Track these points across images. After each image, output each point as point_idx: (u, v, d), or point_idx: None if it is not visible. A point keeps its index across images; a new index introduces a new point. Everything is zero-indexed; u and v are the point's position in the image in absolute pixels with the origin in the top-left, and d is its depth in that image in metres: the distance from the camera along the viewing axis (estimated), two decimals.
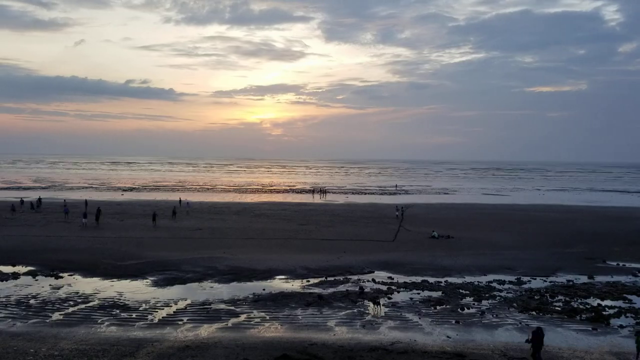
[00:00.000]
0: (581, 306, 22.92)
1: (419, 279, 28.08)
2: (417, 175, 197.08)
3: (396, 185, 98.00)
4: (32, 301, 22.59)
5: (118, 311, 21.33)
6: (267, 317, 20.82)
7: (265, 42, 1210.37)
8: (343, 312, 21.59)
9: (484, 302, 23.52)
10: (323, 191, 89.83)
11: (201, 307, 22.15)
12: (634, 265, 32.96)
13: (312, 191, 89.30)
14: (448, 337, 18.76)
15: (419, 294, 24.90)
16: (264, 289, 25.33)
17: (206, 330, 19.11)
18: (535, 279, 28.49)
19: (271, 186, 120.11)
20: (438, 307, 22.55)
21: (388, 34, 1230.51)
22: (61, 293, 24.12)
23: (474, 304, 23.11)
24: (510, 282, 27.51)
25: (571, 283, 27.54)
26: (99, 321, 20.01)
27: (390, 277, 28.45)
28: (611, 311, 22.11)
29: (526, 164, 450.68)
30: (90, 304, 22.40)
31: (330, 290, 25.37)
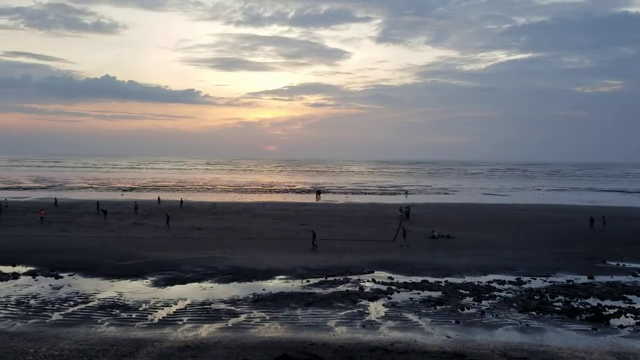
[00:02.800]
0: (581, 306, 22.91)
1: (419, 279, 28.08)
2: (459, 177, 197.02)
3: (406, 192, 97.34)
4: (32, 301, 22.59)
5: (118, 311, 21.33)
6: (267, 317, 20.82)
7: (316, 43, 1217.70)
8: (343, 312, 21.59)
9: (484, 302, 23.51)
10: (318, 192, 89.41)
11: (201, 307, 22.15)
12: (634, 265, 32.95)
13: (317, 192, 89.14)
14: (448, 337, 18.75)
15: (419, 294, 24.90)
16: (264, 289, 25.33)
17: (206, 330, 19.11)
18: (535, 279, 28.48)
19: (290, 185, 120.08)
20: (438, 307, 22.53)
21: (440, 35, 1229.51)
22: (61, 293, 24.11)
23: (474, 304, 23.11)
24: (510, 282, 27.51)
25: (571, 283, 27.53)
26: (99, 321, 20.00)
27: (390, 277, 28.45)
28: (611, 311, 22.09)
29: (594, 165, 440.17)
30: (90, 304, 22.40)
31: (330, 290, 25.36)
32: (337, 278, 27.92)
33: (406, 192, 59.14)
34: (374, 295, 24.25)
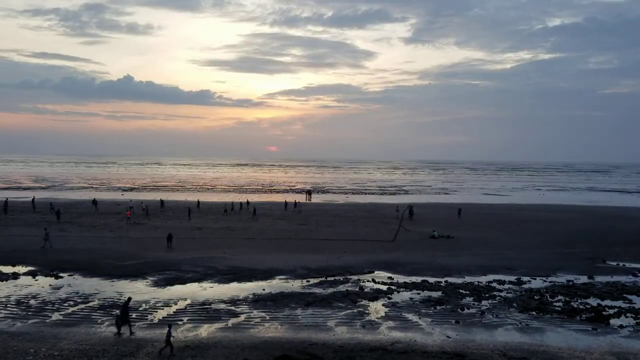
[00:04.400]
0: (581, 306, 22.92)
1: (419, 279, 28.07)
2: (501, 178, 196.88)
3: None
4: (32, 301, 22.58)
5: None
6: (267, 317, 20.82)
7: (346, 43, 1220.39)
8: (343, 312, 21.58)
9: (484, 302, 23.51)
10: (309, 192, 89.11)
11: (201, 307, 22.14)
12: (634, 265, 32.95)
13: (308, 192, 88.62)
14: (448, 337, 18.75)
15: (419, 294, 24.89)
16: (264, 289, 25.32)
17: (206, 330, 19.11)
18: (535, 279, 28.48)
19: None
20: (438, 307, 22.53)
21: (469, 36, 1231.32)
22: (61, 293, 24.11)
23: (474, 304, 23.10)
24: (510, 282, 27.50)
25: (571, 283, 27.53)
26: (99, 321, 20.01)
27: (390, 277, 28.45)
28: (611, 311, 22.10)
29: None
30: (90, 304, 22.40)
31: (330, 290, 25.35)
32: (337, 278, 27.92)
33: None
34: (374, 295, 24.25)
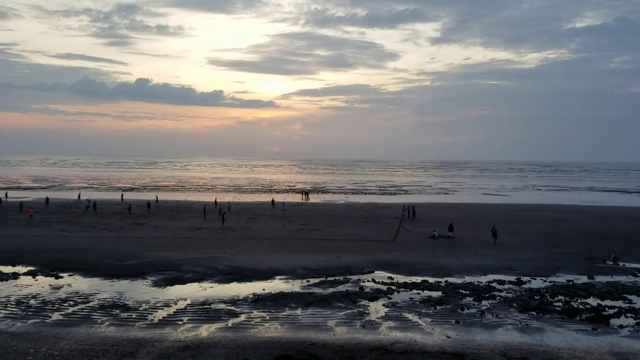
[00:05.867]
0: (581, 306, 22.91)
1: (419, 279, 28.07)
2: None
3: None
4: (32, 301, 22.58)
5: (118, 311, 21.32)
6: (267, 317, 20.81)
7: (374, 43, 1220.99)
8: (343, 312, 21.58)
9: (484, 302, 23.50)
10: (306, 192, 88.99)
11: (201, 307, 22.14)
12: (634, 265, 32.94)
13: (304, 192, 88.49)
14: (448, 337, 18.74)
15: (419, 294, 24.89)
16: (264, 289, 25.32)
17: (206, 330, 19.11)
18: (535, 279, 28.47)
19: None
20: (438, 307, 22.52)
21: (495, 35, 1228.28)
22: (61, 293, 24.11)
23: (474, 304, 23.10)
24: (510, 282, 27.50)
25: (571, 283, 27.52)
26: (99, 321, 20.00)
27: (390, 277, 28.44)
28: (611, 311, 22.09)
29: None
30: (90, 304, 22.39)
31: (330, 290, 25.35)
32: (337, 278, 27.91)
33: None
34: (374, 295, 24.24)
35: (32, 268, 29.16)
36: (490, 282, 27.52)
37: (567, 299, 24.13)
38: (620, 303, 23.47)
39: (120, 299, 23.16)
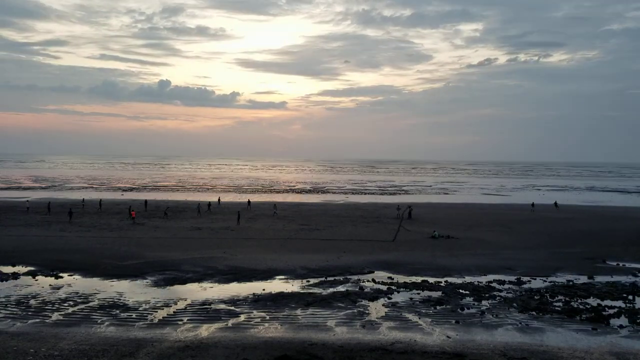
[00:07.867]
0: (581, 306, 22.91)
1: (419, 279, 28.07)
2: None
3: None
4: (32, 301, 22.58)
5: (118, 311, 21.32)
6: (267, 317, 20.81)
7: (412, 43, 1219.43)
8: (343, 312, 21.58)
9: (484, 302, 23.50)
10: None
11: (201, 307, 22.14)
12: (634, 265, 32.94)
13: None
14: (448, 337, 18.74)
15: (418, 294, 24.89)
16: (263, 289, 25.32)
17: (206, 330, 19.11)
18: (535, 279, 28.47)
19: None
20: (438, 307, 22.52)
21: (532, 36, 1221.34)
22: (61, 293, 24.11)
23: (474, 304, 23.10)
24: (510, 282, 27.50)
25: (571, 283, 27.52)
26: (99, 321, 20.00)
27: (390, 277, 28.44)
28: (611, 311, 22.09)
29: None
30: (90, 304, 22.39)
31: (330, 290, 25.35)
32: (337, 278, 27.91)
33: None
34: (374, 295, 24.24)
35: (32, 268, 29.16)
36: (490, 282, 27.53)
37: (567, 299, 24.14)
38: (620, 303, 23.47)
39: (120, 299, 23.16)
